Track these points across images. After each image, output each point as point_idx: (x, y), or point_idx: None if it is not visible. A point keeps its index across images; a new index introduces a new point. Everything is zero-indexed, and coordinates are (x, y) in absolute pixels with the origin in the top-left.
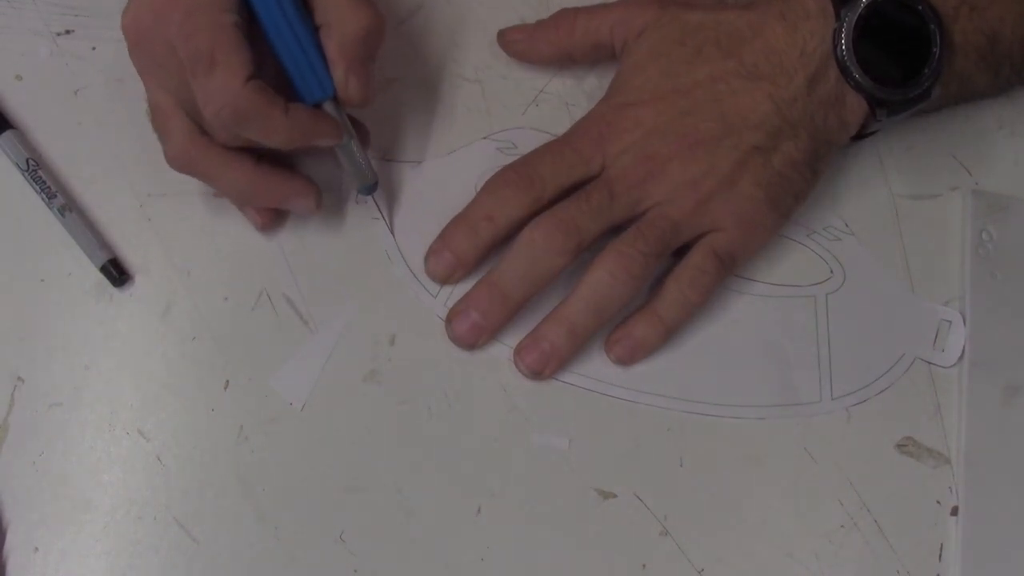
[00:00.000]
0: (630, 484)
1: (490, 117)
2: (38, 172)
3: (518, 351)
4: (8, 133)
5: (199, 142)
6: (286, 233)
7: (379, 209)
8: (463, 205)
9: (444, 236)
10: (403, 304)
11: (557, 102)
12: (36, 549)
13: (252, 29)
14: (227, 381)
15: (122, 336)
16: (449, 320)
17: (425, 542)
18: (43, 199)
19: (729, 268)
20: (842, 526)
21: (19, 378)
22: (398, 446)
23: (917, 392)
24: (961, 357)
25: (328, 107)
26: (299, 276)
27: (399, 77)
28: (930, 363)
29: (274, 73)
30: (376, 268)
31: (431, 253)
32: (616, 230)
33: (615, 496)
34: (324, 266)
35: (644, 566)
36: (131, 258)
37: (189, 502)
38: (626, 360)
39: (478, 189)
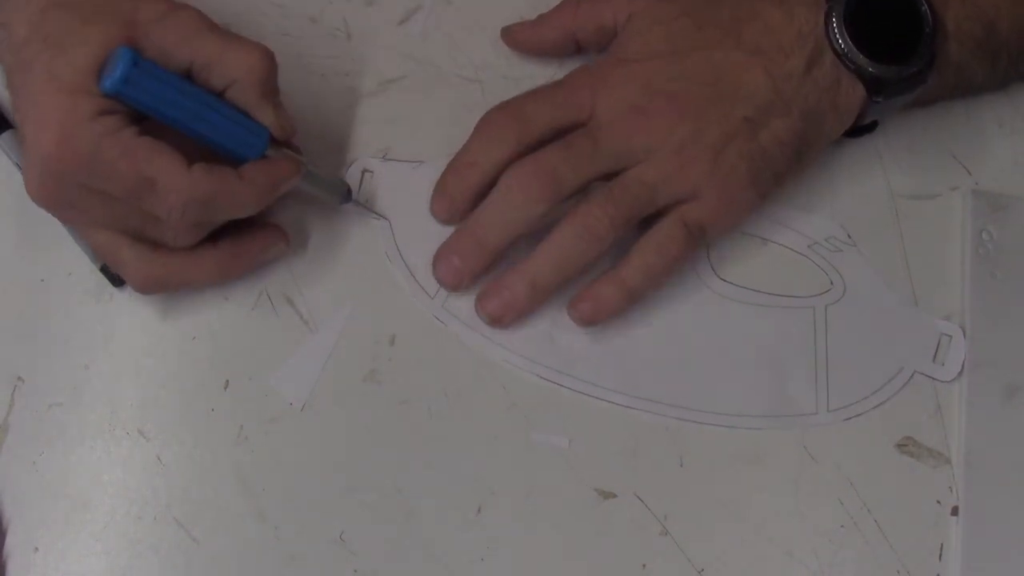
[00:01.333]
0: (630, 484)
1: None
2: None
3: (480, 297)
4: (8, 133)
5: (158, 259)
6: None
7: (367, 209)
8: None
9: (440, 182)
10: (403, 304)
11: None
12: (36, 549)
13: (149, 127)
14: (227, 381)
15: (122, 336)
16: (434, 263)
17: (425, 542)
18: None
19: (697, 239)
20: (842, 526)
21: (19, 378)
22: (398, 446)
23: (917, 392)
24: (960, 372)
25: (270, 153)
26: (299, 276)
27: (399, 77)
28: (929, 377)
29: (198, 151)
30: (376, 268)
31: (432, 199)
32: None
33: (615, 496)
34: (324, 266)
35: (644, 566)
36: None
37: (189, 502)
38: (587, 319)
39: None
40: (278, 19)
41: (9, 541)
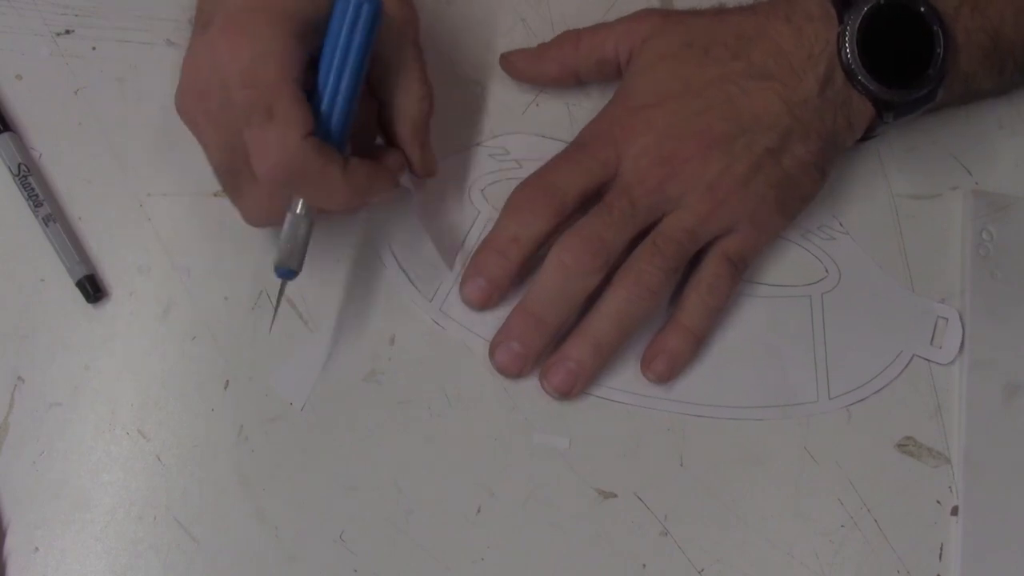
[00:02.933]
0: (630, 484)
1: (490, 117)
2: (28, 179)
3: (544, 372)
4: (4, 136)
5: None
6: None
7: (278, 299)
8: (455, 213)
9: (475, 263)
10: (403, 304)
11: (557, 102)
12: (36, 549)
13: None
14: (227, 381)
15: (122, 336)
16: (491, 352)
17: (425, 542)
18: (30, 207)
19: (741, 270)
20: (842, 526)
21: (19, 378)
22: (398, 446)
23: (917, 392)
24: (960, 353)
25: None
26: (299, 276)
27: None
28: (928, 360)
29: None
30: (375, 268)
31: (465, 280)
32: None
33: (615, 496)
34: (324, 266)
35: (644, 566)
36: (131, 258)
37: (189, 502)
38: (665, 375)
39: (470, 197)
40: None
41: (9, 541)
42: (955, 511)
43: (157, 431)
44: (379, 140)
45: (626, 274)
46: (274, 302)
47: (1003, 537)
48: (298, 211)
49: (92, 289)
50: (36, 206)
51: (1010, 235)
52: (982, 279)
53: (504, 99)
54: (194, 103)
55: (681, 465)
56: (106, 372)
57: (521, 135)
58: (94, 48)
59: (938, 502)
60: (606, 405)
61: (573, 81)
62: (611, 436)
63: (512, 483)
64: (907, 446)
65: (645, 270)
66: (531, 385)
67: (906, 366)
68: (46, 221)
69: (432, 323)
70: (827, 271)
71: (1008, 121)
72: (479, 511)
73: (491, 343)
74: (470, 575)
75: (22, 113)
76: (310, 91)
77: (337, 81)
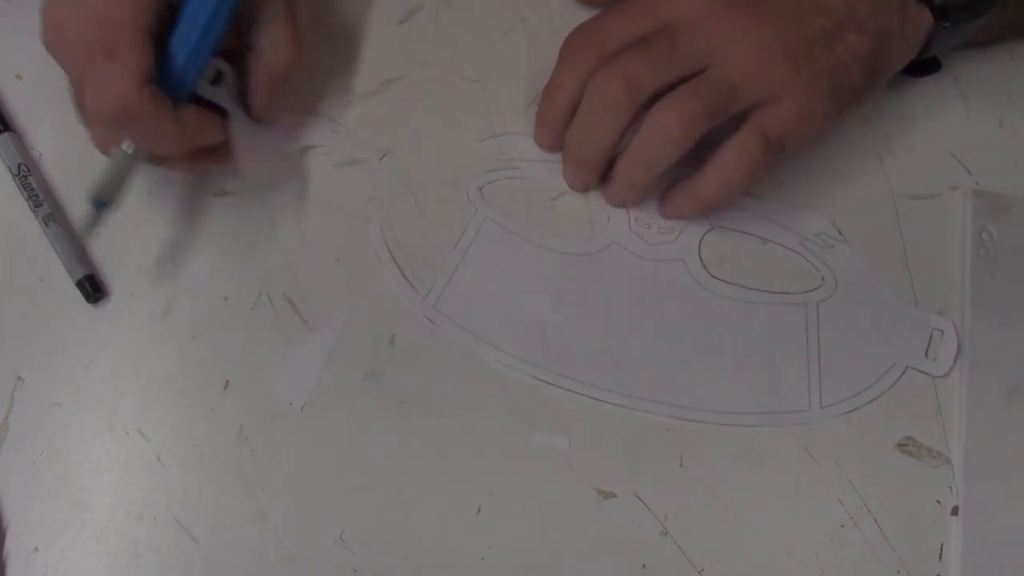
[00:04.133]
0: (630, 484)
1: (490, 117)
2: (28, 179)
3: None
4: (4, 136)
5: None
6: (286, 233)
7: (90, 227)
8: (454, 210)
9: (538, 113)
10: (402, 304)
11: None
12: (36, 549)
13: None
14: (227, 381)
15: (122, 336)
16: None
17: (425, 542)
18: (30, 207)
19: (776, 152)
20: (842, 526)
21: (19, 378)
22: (398, 446)
23: (917, 392)
24: (954, 364)
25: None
26: (299, 276)
27: (399, 77)
28: (921, 372)
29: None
30: (375, 268)
31: (535, 131)
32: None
33: (615, 496)
34: (323, 266)
35: (644, 566)
36: (131, 258)
37: (189, 502)
38: (665, 212)
39: (469, 196)
40: None
41: (9, 541)
42: (955, 511)
43: (157, 431)
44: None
45: (658, 113)
46: (273, 301)
47: (1003, 537)
48: (123, 147)
49: (92, 289)
50: (36, 206)
51: (1010, 235)
52: (982, 279)
53: (504, 99)
54: (54, 37)
55: (681, 465)
56: (106, 372)
57: (521, 135)
58: None
59: (938, 502)
60: (602, 408)
61: None
62: (611, 436)
63: (512, 483)
64: (907, 446)
65: (683, 102)
66: (531, 386)
67: (899, 378)
68: (46, 221)
69: (426, 320)
70: (823, 279)
71: (1008, 121)
72: (479, 511)
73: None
74: (470, 575)
75: (22, 113)
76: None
77: (187, 30)
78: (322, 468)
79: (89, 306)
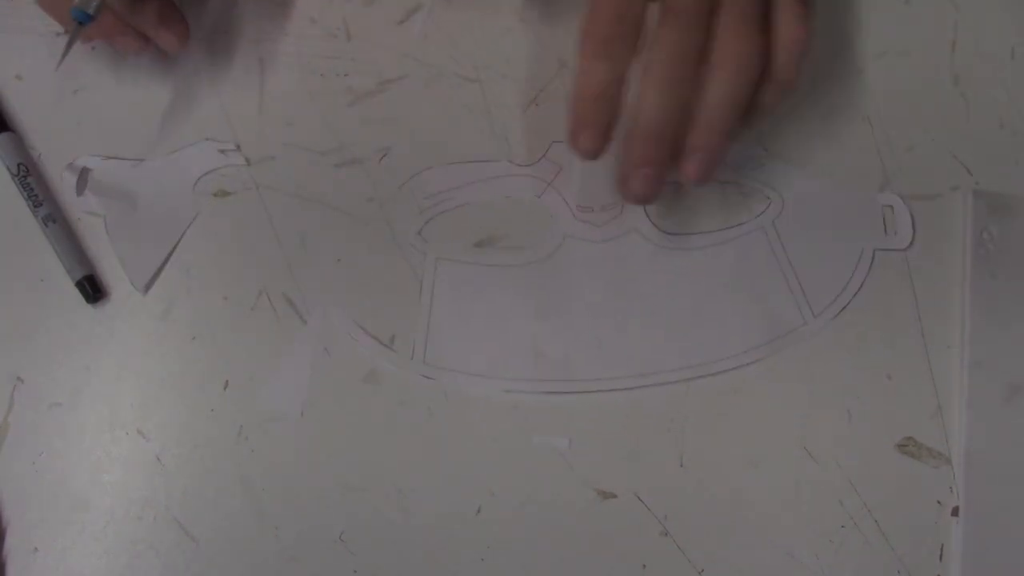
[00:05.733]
0: (630, 484)
1: (490, 117)
2: (27, 179)
3: (623, 181)
4: (4, 136)
5: None
6: (286, 233)
7: (70, 42)
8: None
9: (573, 119)
10: (402, 304)
11: (557, 102)
12: (36, 549)
13: None
14: (227, 381)
15: (122, 336)
16: (621, 188)
17: (425, 542)
18: (30, 207)
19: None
20: (842, 526)
21: (19, 378)
22: (398, 446)
23: (917, 392)
24: (913, 239)
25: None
26: (299, 276)
27: (399, 77)
28: (888, 250)
29: None
30: (374, 268)
31: (577, 135)
32: None
33: (615, 496)
34: (324, 266)
35: (644, 566)
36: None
37: (189, 502)
38: (702, 176)
39: (412, 243)
40: (278, 19)
41: (9, 541)
42: (956, 511)
43: (157, 431)
44: None
45: (721, 38)
46: (271, 299)
47: (1004, 537)
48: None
49: (92, 289)
50: (36, 206)
51: (1010, 235)
52: (982, 279)
53: (504, 99)
54: None
55: (681, 465)
56: (106, 372)
57: (431, 168)
58: (94, 48)
59: (938, 502)
60: (606, 403)
61: None
62: (611, 436)
63: (512, 483)
64: (907, 446)
65: (737, 23)
66: (531, 386)
67: (872, 262)
68: (46, 221)
69: (423, 378)
70: (769, 198)
71: (1008, 121)
72: (479, 511)
73: (618, 179)
74: (470, 575)
75: (22, 113)
76: None
77: None
78: (322, 468)
79: (89, 306)
